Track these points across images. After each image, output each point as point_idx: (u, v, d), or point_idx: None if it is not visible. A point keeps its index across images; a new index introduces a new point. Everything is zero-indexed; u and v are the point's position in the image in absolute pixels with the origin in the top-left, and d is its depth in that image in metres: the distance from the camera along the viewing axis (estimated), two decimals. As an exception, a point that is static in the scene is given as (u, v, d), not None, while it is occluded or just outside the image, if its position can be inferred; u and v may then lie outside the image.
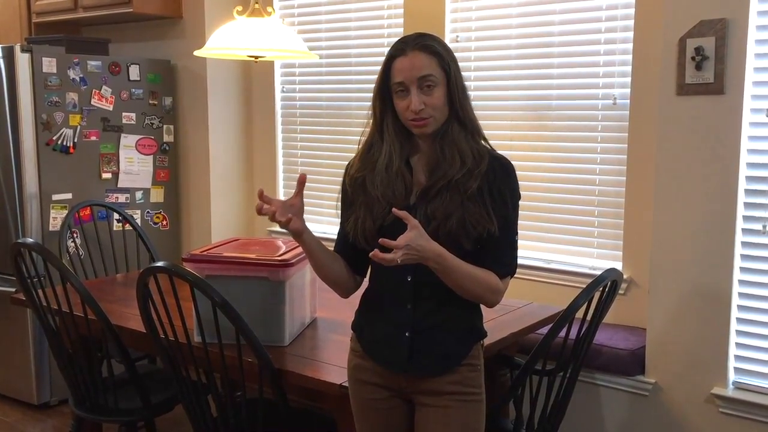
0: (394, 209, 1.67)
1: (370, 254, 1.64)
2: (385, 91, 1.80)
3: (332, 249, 1.96)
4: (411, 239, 1.64)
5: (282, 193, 4.17)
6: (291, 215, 1.75)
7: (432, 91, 1.75)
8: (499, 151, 1.86)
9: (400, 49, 1.77)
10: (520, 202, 1.85)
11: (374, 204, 1.80)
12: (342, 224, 1.92)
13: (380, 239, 1.64)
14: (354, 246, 1.86)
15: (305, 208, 1.85)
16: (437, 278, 1.75)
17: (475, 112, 1.84)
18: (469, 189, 1.74)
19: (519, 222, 1.86)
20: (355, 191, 1.85)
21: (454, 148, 1.77)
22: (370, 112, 1.87)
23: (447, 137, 1.78)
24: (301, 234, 1.80)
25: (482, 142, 1.83)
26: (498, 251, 1.80)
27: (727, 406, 2.68)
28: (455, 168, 1.75)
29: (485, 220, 1.74)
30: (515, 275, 1.87)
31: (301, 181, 1.78)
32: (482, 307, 1.88)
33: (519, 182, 1.84)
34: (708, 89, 2.58)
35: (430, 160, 1.81)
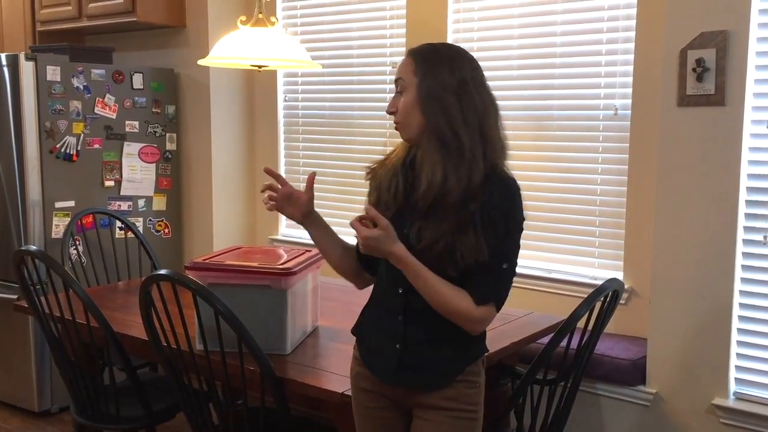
0: (366, 207, 1.72)
1: (350, 222, 1.73)
2: None
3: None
4: (373, 237, 1.69)
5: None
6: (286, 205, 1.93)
7: (401, 95, 1.75)
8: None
9: None
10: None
11: (378, 203, 1.82)
12: None
13: (351, 222, 1.73)
14: None
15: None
16: None
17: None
18: (460, 213, 1.68)
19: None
20: (370, 185, 1.89)
21: (423, 166, 1.73)
22: None
23: (419, 152, 1.75)
24: (300, 222, 1.95)
25: (483, 161, 1.70)
26: (479, 275, 1.71)
27: (728, 417, 2.67)
28: (422, 189, 1.71)
29: (475, 251, 1.68)
30: (513, 292, 1.78)
31: (310, 179, 1.92)
32: None
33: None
34: (709, 100, 2.59)
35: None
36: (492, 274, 1.72)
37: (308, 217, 1.94)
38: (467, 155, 1.69)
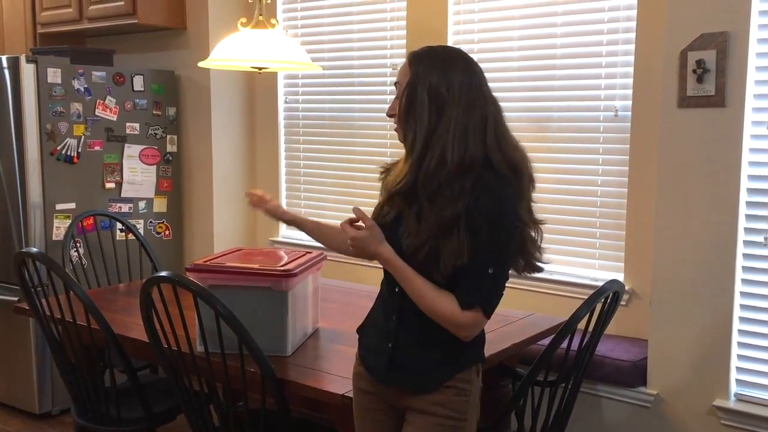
0: (353, 207, 1.76)
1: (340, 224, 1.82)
2: None
3: None
4: (359, 238, 1.75)
5: (284, 204, 4.18)
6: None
7: (398, 99, 1.76)
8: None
9: None
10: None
11: (383, 205, 1.84)
12: None
13: (341, 223, 1.81)
14: None
15: (312, 218, 2.24)
16: None
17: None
18: (440, 216, 1.65)
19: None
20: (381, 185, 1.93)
21: (395, 172, 1.80)
22: None
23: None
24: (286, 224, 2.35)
25: (472, 166, 1.67)
26: (465, 280, 1.68)
27: (728, 418, 2.67)
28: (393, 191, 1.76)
29: (455, 255, 1.64)
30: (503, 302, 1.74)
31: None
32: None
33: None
34: (709, 102, 2.59)
35: None
36: (477, 278, 1.67)
37: (283, 219, 2.31)
38: (416, 155, 1.69)
